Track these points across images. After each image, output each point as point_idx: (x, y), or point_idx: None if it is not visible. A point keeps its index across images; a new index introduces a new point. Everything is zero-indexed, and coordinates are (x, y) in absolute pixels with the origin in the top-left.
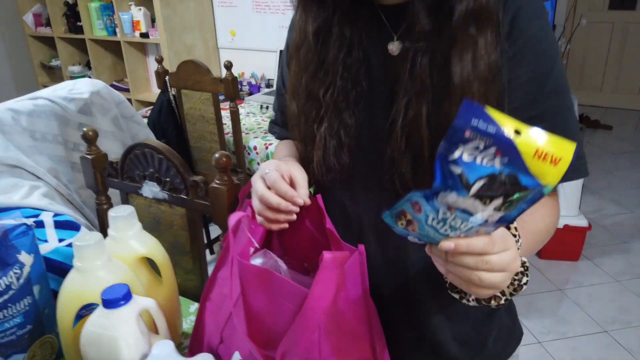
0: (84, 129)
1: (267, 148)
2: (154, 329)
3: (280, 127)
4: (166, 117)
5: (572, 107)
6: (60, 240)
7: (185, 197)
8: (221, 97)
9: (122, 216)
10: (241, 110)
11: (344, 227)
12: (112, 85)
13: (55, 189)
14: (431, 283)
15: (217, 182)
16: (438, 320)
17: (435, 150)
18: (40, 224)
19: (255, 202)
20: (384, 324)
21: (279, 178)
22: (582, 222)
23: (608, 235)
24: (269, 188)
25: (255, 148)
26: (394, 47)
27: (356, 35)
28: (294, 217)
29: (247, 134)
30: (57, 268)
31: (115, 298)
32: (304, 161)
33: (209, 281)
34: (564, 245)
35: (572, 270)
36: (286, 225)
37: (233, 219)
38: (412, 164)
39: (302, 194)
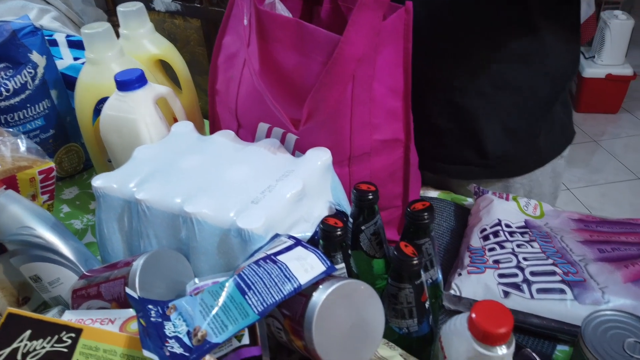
0: None
1: None
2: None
3: None
4: None
5: None
6: (76, 59)
7: (199, 5)
8: None
9: (131, 11)
10: None
11: None
12: None
13: (65, 15)
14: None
15: None
16: (485, 111)
17: None
18: (53, 43)
19: None
20: (422, 115)
21: None
22: (627, 71)
23: None
24: None
25: None
26: None
27: None
28: None
29: None
30: (74, 85)
31: (130, 79)
32: None
33: (211, 74)
34: (605, 96)
35: (609, 123)
36: None
37: None
38: None
39: None
